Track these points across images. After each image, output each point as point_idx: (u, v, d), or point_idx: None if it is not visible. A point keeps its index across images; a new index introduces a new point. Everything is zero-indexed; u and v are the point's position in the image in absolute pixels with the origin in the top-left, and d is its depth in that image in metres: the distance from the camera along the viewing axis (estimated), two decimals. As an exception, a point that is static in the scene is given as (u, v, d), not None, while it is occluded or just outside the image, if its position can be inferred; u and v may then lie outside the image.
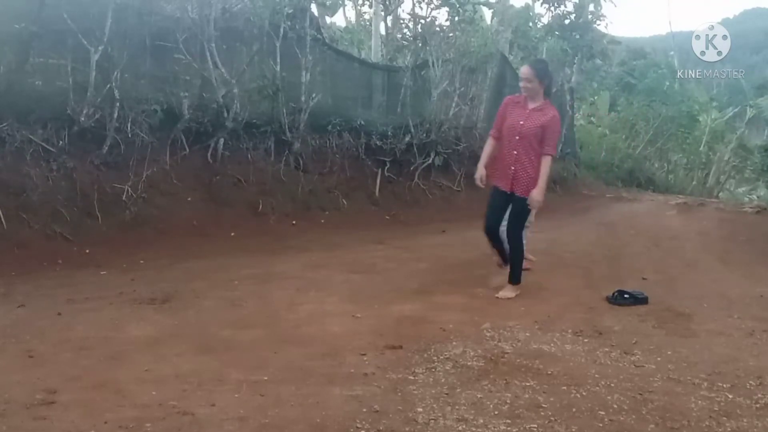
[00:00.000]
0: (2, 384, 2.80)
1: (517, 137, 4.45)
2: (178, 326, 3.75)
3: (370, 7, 13.67)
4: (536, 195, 4.43)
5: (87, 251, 5.75)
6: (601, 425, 2.59)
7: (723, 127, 22.24)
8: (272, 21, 8.05)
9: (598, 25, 16.36)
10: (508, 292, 4.69)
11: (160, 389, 2.78)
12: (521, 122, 4.45)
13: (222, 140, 7.70)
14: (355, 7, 15.78)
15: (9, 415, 2.51)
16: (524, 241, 4.78)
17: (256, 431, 2.45)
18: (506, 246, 4.80)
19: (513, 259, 4.74)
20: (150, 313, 3.98)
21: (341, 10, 16.39)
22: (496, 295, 4.66)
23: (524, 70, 4.54)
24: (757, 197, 19.52)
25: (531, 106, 4.49)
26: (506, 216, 4.73)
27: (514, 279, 4.73)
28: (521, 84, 4.52)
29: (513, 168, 4.49)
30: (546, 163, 4.45)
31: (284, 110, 8.25)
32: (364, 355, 3.32)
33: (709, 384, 3.07)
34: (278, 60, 8.16)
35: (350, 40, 14.47)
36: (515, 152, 4.48)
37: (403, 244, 6.95)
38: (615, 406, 2.77)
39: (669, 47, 27.68)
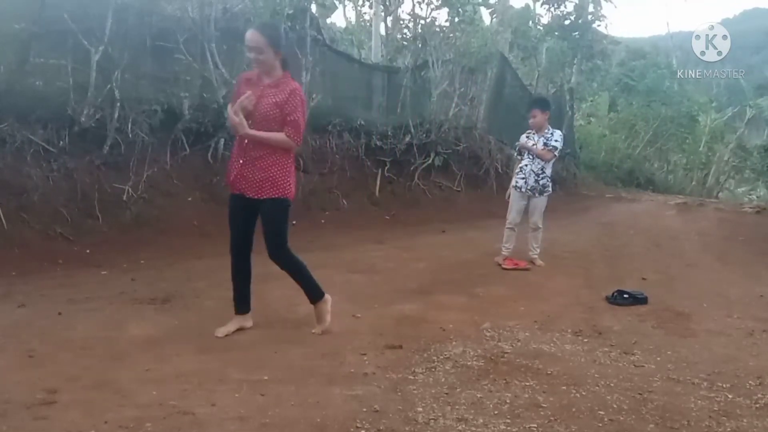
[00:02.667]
0: (2, 384, 2.80)
1: (249, 122, 3.42)
2: (179, 326, 3.75)
3: (371, 7, 13.68)
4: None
5: (87, 251, 5.75)
6: (600, 425, 2.59)
7: (722, 127, 22.27)
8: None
9: (599, 25, 16.40)
10: (322, 322, 3.67)
11: (161, 389, 2.78)
12: (253, 103, 3.46)
13: (222, 140, 7.70)
14: (355, 8, 15.80)
15: (9, 415, 2.51)
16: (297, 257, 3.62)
17: (256, 431, 2.46)
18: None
19: (298, 280, 3.67)
20: (150, 313, 3.98)
21: (342, 10, 16.42)
22: (314, 331, 3.66)
23: (250, 37, 3.43)
24: (757, 197, 19.55)
25: (266, 81, 3.50)
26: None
27: (315, 295, 3.67)
28: (250, 56, 3.47)
29: (241, 161, 3.47)
30: (279, 136, 3.41)
31: (284, 111, 8.25)
32: (364, 354, 3.33)
33: (709, 384, 3.07)
34: (278, 60, 8.16)
35: (350, 41, 14.49)
36: (246, 141, 3.46)
37: (403, 244, 6.96)
38: (615, 406, 2.78)
39: (668, 47, 27.68)
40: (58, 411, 2.55)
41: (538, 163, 5.88)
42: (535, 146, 5.87)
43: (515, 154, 6.35)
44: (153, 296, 4.31)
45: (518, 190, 5.96)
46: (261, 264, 5.61)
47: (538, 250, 6.04)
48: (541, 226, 6.00)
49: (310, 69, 8.54)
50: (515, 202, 5.99)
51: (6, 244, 5.38)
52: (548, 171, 5.96)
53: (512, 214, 5.99)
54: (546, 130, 5.90)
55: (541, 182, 5.91)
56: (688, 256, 7.22)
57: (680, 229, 9.48)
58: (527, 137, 5.99)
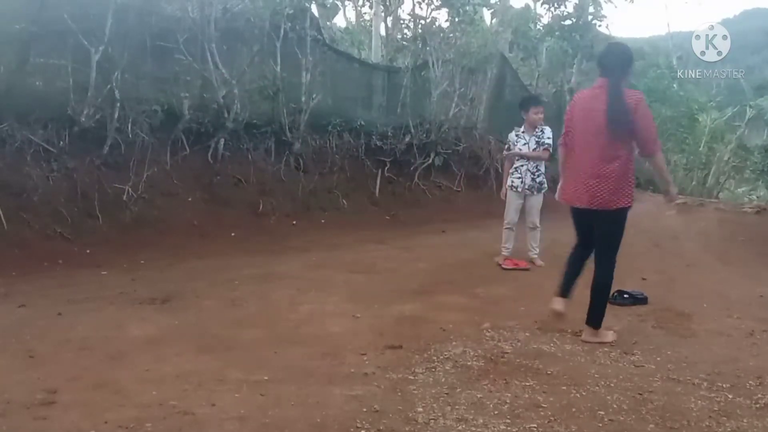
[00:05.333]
0: (2, 384, 2.80)
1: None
2: (179, 326, 3.75)
3: (371, 7, 13.68)
4: None
5: (87, 251, 5.76)
6: (600, 425, 2.59)
7: (723, 127, 22.22)
8: (273, 21, 8.05)
9: (599, 26, 16.36)
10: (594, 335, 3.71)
11: (161, 389, 2.78)
12: None
13: (222, 140, 7.70)
14: (356, 8, 15.80)
15: (9, 415, 2.51)
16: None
17: (256, 431, 2.46)
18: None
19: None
20: (150, 313, 3.98)
21: (341, 11, 16.41)
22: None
23: None
24: (757, 197, 19.51)
25: None
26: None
27: (593, 321, 3.72)
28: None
29: None
30: None
31: (284, 111, 8.26)
32: (364, 355, 3.33)
33: (709, 384, 3.07)
34: (279, 60, 8.17)
35: (350, 41, 14.48)
36: None
37: (403, 244, 6.96)
38: (615, 406, 2.77)
39: (668, 47, 27.65)
40: (58, 411, 2.55)
41: (534, 162, 5.91)
42: (535, 149, 5.90)
43: (504, 151, 6.33)
44: (153, 296, 4.32)
45: (515, 189, 5.98)
46: (262, 264, 5.63)
47: (538, 250, 6.04)
48: (539, 224, 6.00)
49: (310, 69, 8.54)
50: (512, 202, 6.00)
51: (6, 244, 5.38)
52: (543, 168, 5.99)
53: (510, 214, 6.00)
54: (537, 129, 5.92)
55: (537, 180, 5.94)
56: (688, 256, 7.22)
57: (680, 229, 9.47)
58: (517, 136, 6.00)
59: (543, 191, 6.01)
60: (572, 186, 3.72)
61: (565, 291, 3.81)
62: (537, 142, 5.89)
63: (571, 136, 3.75)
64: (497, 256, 6.02)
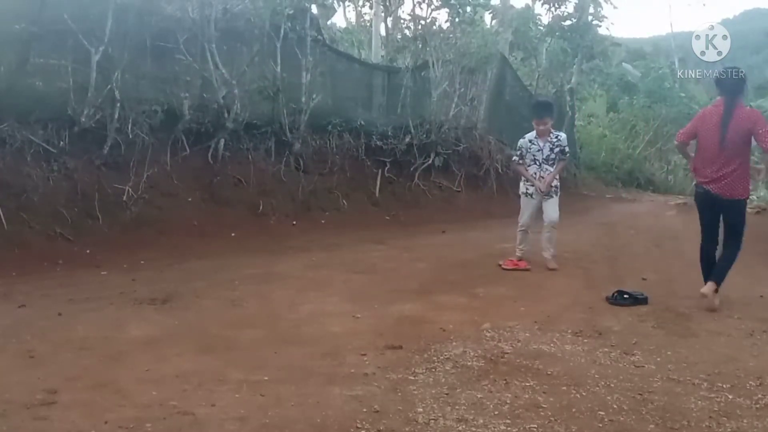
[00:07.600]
0: (3, 384, 2.81)
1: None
2: (179, 326, 3.75)
3: (371, 8, 13.69)
4: None
5: (88, 251, 5.76)
6: (600, 425, 2.59)
7: (723, 127, 22.16)
8: (273, 22, 8.06)
9: (599, 26, 16.38)
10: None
11: (161, 389, 2.78)
12: None
13: (222, 141, 7.70)
14: (356, 8, 15.80)
15: (9, 415, 2.51)
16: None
17: (256, 431, 2.46)
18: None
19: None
20: (150, 313, 3.98)
21: (342, 11, 16.43)
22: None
23: None
24: (757, 197, 19.48)
25: None
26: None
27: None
28: None
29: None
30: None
31: (285, 111, 8.26)
32: (364, 355, 3.33)
33: (709, 384, 3.07)
34: (279, 61, 8.17)
35: (350, 41, 14.49)
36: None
37: (403, 244, 6.96)
38: (615, 406, 2.77)
39: (669, 47, 27.67)
40: (58, 411, 2.56)
41: (547, 170, 5.83)
42: (548, 155, 5.82)
43: (515, 157, 6.17)
44: (153, 296, 4.32)
45: (530, 197, 5.91)
46: (262, 265, 5.63)
47: (553, 251, 5.89)
48: (556, 224, 5.89)
49: (311, 69, 8.54)
50: (527, 206, 5.91)
51: (6, 244, 5.39)
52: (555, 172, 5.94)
53: (524, 218, 5.90)
54: (550, 135, 5.82)
55: (552, 185, 5.87)
56: (688, 256, 7.17)
57: (680, 230, 9.45)
58: (530, 142, 5.85)
59: (558, 194, 5.95)
60: (704, 179, 4.52)
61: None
62: (551, 149, 5.79)
63: (701, 144, 4.50)
64: (499, 258, 5.96)
